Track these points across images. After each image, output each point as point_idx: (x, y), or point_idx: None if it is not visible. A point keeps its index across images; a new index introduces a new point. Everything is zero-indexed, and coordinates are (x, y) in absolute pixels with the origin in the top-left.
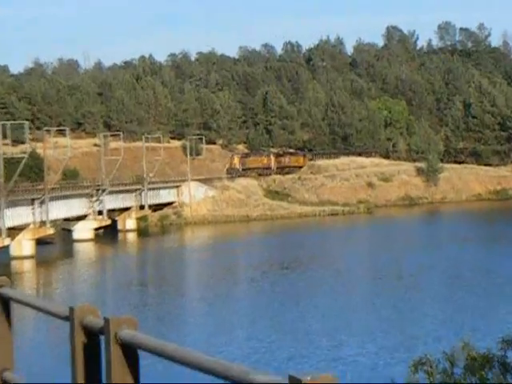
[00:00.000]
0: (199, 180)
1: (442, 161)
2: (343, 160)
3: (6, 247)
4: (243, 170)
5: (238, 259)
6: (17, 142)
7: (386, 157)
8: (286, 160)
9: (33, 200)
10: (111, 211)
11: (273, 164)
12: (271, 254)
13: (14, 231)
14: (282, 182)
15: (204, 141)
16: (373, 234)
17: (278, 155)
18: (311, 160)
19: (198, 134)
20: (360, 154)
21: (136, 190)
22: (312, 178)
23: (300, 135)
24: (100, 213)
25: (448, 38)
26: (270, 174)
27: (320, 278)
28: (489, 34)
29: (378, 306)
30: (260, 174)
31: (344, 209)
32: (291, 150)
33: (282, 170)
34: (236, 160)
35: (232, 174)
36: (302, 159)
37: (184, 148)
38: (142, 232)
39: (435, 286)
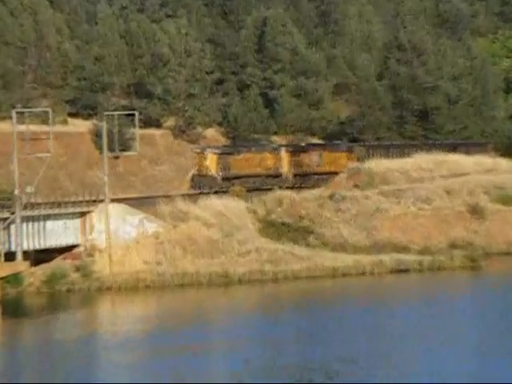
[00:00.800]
0: (128, 201)
1: None
2: (421, 159)
3: None
4: (225, 179)
5: (202, 363)
6: None
7: (509, 154)
8: (313, 160)
9: None
10: None
11: (285, 167)
12: (273, 353)
13: None
14: (297, 205)
15: (137, 121)
16: (480, 316)
17: (295, 150)
18: (361, 160)
19: (124, 107)
20: (456, 149)
21: None
22: (358, 197)
23: (333, 109)
24: None
25: None
26: (279, 188)
27: None
28: None
29: None
30: (254, 189)
31: (423, 259)
32: (317, 141)
33: (305, 179)
34: (211, 160)
35: (201, 187)
36: (343, 157)
37: (97, 135)
38: (12, 306)
39: None
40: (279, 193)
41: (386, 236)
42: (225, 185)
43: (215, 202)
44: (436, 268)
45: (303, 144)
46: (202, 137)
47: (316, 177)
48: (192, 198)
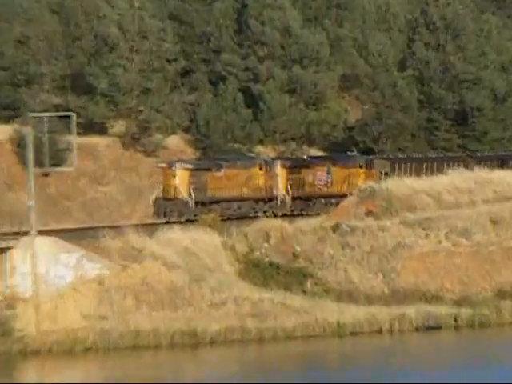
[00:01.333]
0: (61, 233)
1: None
2: (457, 178)
3: None
4: (200, 203)
5: None
6: None
7: None
8: (319, 178)
9: None
10: None
11: (281, 188)
12: None
13: None
14: (290, 239)
15: (75, 125)
16: None
17: (294, 165)
18: (385, 176)
19: (57, 107)
20: (504, 163)
21: None
22: (372, 229)
23: (338, 110)
24: None
25: None
26: (273, 216)
27: None
28: None
29: None
30: (241, 217)
31: (460, 312)
32: (319, 153)
33: (308, 204)
34: (181, 177)
35: (167, 214)
36: (360, 174)
37: (19, 145)
38: None
39: None
40: (266, 222)
41: (411, 281)
42: (199, 211)
43: (180, 236)
44: (478, 324)
45: (305, 156)
46: (161, 147)
47: (323, 201)
48: (149, 229)
